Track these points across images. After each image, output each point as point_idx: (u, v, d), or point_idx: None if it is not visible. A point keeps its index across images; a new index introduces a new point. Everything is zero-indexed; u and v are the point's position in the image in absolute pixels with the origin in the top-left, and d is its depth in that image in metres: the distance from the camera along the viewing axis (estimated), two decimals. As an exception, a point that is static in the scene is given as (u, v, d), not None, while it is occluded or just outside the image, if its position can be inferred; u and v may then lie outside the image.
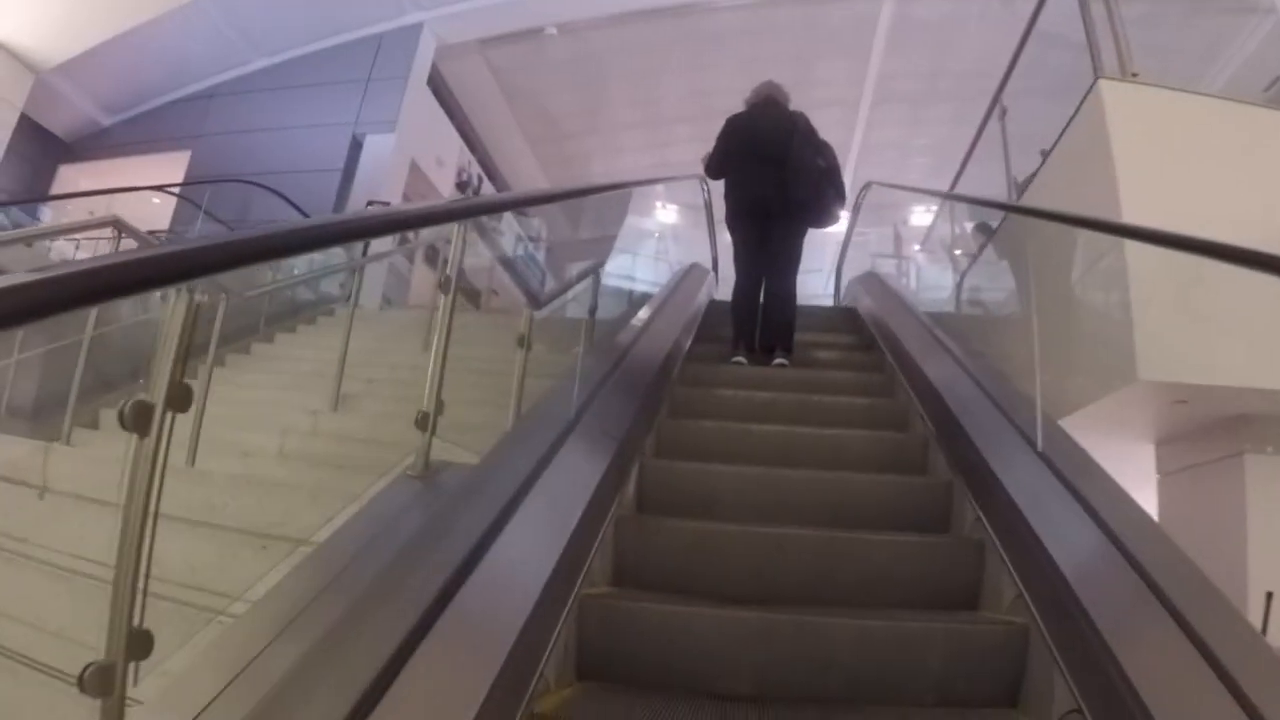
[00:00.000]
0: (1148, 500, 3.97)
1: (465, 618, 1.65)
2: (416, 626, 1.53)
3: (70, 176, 12.13)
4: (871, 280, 6.73)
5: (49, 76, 10.72)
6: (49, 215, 10.54)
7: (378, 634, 1.49)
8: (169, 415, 1.34)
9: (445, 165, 13.17)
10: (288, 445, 3.99)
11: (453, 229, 2.40)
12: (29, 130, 11.68)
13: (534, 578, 1.91)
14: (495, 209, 2.30)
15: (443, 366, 2.27)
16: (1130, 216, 3.32)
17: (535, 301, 3.26)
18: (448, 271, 2.30)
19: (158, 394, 1.33)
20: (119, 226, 4.55)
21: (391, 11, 11.54)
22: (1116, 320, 3.40)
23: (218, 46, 11.50)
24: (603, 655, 2.22)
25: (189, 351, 1.37)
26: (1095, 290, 3.81)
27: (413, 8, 11.54)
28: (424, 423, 2.19)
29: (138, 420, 1.31)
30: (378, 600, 1.61)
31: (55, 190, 11.82)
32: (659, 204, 15.59)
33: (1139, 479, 3.96)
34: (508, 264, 3.53)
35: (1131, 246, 3.27)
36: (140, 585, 1.34)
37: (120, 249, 4.51)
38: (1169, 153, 3.60)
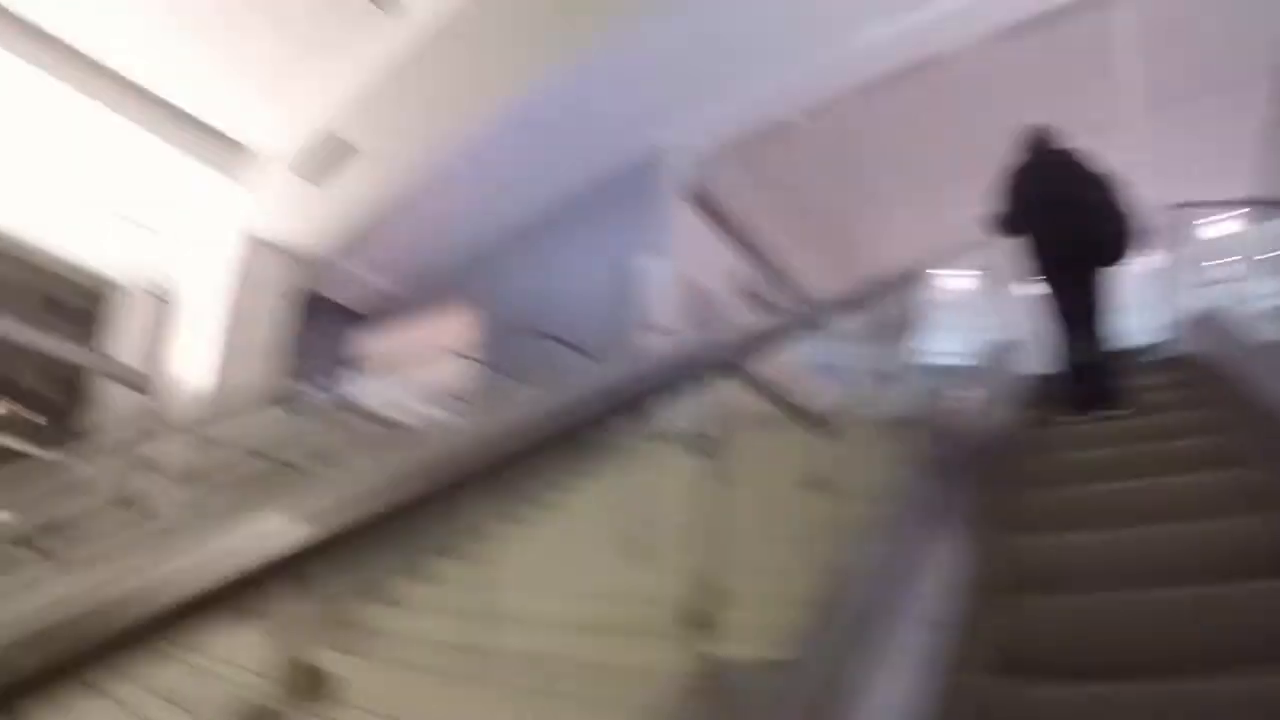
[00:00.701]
0: None
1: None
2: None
3: (364, 342, 13.22)
4: (1210, 319, 5.76)
5: (326, 259, 12.11)
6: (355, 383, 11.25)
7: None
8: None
9: (724, 279, 12.97)
10: (579, 612, 3.75)
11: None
12: (319, 304, 12.88)
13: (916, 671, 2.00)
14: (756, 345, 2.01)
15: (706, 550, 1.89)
16: None
17: (820, 423, 2.74)
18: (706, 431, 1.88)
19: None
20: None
21: (640, 139, 11.66)
22: None
23: (482, 206, 12.24)
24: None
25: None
26: None
27: (656, 128, 11.59)
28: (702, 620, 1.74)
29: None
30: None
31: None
32: (945, 272, 14.65)
33: None
34: (778, 400, 2.81)
35: None
36: None
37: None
38: None
